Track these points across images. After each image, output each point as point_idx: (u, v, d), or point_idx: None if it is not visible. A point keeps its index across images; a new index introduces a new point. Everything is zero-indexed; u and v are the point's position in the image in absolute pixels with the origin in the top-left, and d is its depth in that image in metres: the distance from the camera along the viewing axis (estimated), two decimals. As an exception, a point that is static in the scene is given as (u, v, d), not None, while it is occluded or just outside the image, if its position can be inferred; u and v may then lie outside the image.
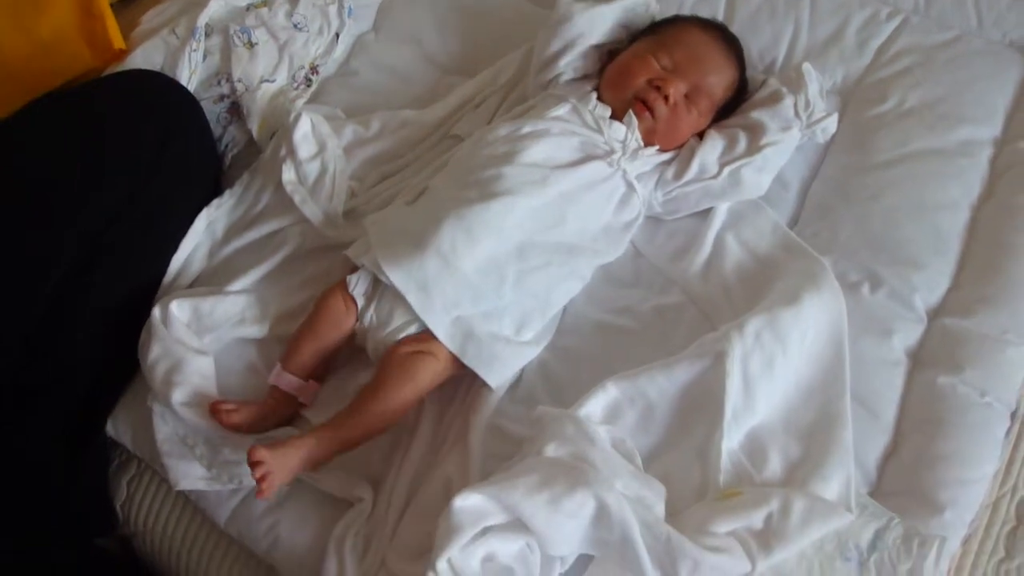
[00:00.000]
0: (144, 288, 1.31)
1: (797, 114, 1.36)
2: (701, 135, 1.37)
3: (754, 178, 1.33)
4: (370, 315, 1.22)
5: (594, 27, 1.42)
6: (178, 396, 1.18)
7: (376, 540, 1.12)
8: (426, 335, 1.20)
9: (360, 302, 1.23)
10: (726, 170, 1.32)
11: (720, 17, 1.54)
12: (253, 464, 1.07)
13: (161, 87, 1.39)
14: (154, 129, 1.31)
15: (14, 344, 1.20)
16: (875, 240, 1.32)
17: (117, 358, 1.27)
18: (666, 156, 1.35)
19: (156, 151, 1.30)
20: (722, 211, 1.34)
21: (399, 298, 1.19)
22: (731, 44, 1.42)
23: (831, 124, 1.39)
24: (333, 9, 1.54)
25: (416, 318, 1.20)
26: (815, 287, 1.21)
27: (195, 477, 1.20)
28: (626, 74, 1.36)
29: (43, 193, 1.24)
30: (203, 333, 1.26)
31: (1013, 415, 1.22)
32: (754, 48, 1.51)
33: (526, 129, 1.30)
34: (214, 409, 1.17)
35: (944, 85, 1.45)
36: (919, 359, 1.25)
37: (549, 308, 1.25)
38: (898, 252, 1.31)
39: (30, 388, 1.21)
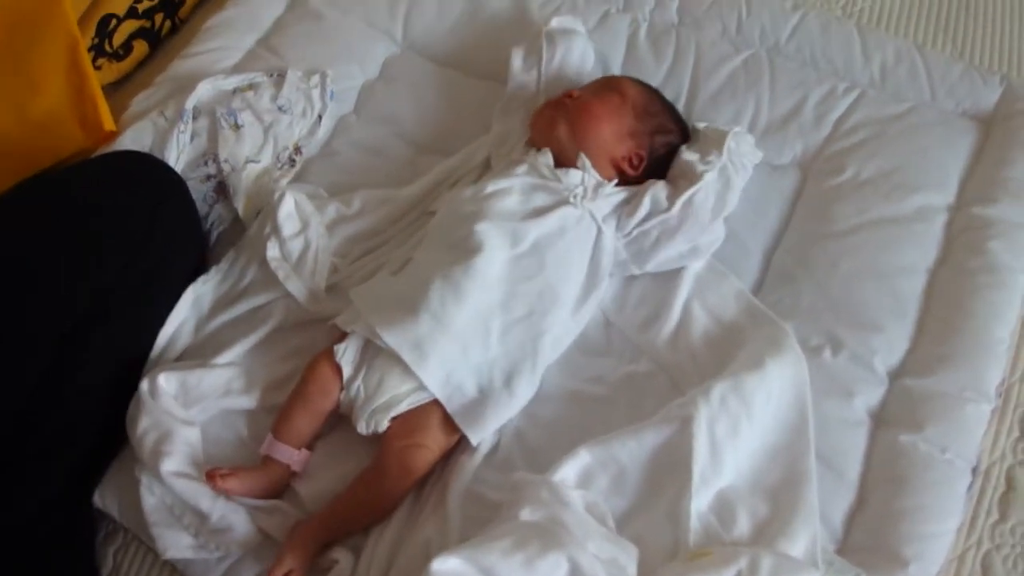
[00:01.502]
0: (133, 362, 1.33)
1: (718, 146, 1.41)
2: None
3: (705, 203, 1.35)
4: (357, 385, 1.26)
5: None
6: (167, 466, 1.20)
7: (358, 605, 1.14)
8: (414, 417, 1.24)
9: (347, 371, 1.26)
10: (678, 202, 1.34)
11: (683, 95, 1.59)
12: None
13: (149, 166, 1.42)
14: (142, 207, 1.34)
15: (4, 418, 1.21)
16: (836, 305, 1.35)
17: (106, 431, 1.29)
18: (624, 194, 1.38)
19: (145, 228, 1.32)
20: (688, 279, 1.37)
21: (389, 368, 1.24)
22: (653, 88, 1.51)
23: (754, 152, 1.45)
24: (316, 92, 1.58)
25: (403, 392, 1.24)
26: (778, 352, 1.25)
27: (183, 546, 1.21)
28: (539, 109, 1.47)
29: (33, 270, 1.26)
30: (190, 405, 1.28)
31: (974, 470, 1.26)
32: (716, 124, 1.52)
33: (489, 188, 1.36)
34: (209, 475, 1.20)
35: (899, 155, 1.49)
36: (881, 419, 1.28)
37: (538, 358, 1.28)
38: (858, 316, 1.35)
39: (19, 460, 1.23)
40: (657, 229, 1.36)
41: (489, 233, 1.31)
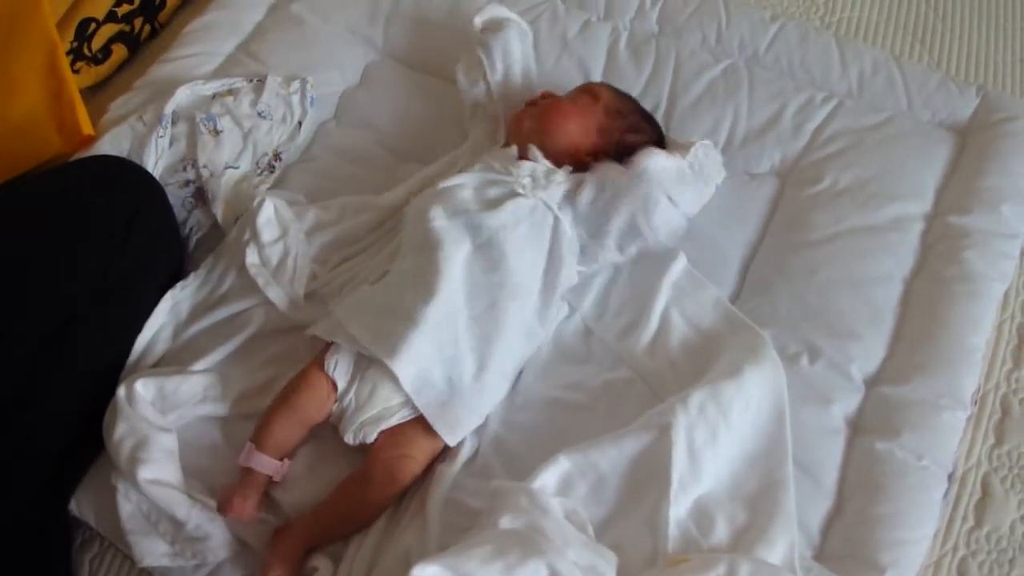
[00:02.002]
0: (110, 367, 1.32)
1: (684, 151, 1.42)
2: None
3: (658, 174, 1.34)
4: (350, 398, 1.26)
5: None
6: (144, 473, 1.20)
7: (337, 612, 1.14)
8: (402, 431, 1.24)
9: (340, 383, 1.26)
10: (627, 169, 1.34)
11: (663, 104, 1.61)
12: None
13: (126, 171, 1.41)
14: (120, 211, 1.33)
15: None
16: (813, 313, 1.37)
17: (82, 436, 1.28)
18: (576, 178, 1.39)
19: (122, 232, 1.32)
20: (667, 287, 1.38)
21: (380, 379, 1.24)
22: (629, 95, 1.53)
23: (719, 168, 1.46)
24: (296, 98, 1.58)
25: (394, 405, 1.24)
26: (756, 360, 1.26)
27: (159, 554, 1.22)
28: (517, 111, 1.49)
29: (9, 273, 1.26)
30: (167, 411, 1.28)
31: (950, 477, 1.27)
32: (696, 133, 1.56)
33: (444, 184, 1.38)
34: (223, 506, 1.20)
35: (876, 164, 1.51)
36: (858, 426, 1.30)
37: (503, 349, 1.28)
38: (835, 324, 1.36)
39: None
40: (606, 200, 1.35)
41: (446, 227, 1.32)
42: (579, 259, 1.38)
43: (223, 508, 1.19)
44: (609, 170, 1.37)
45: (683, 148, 1.42)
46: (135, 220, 1.33)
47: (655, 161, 1.35)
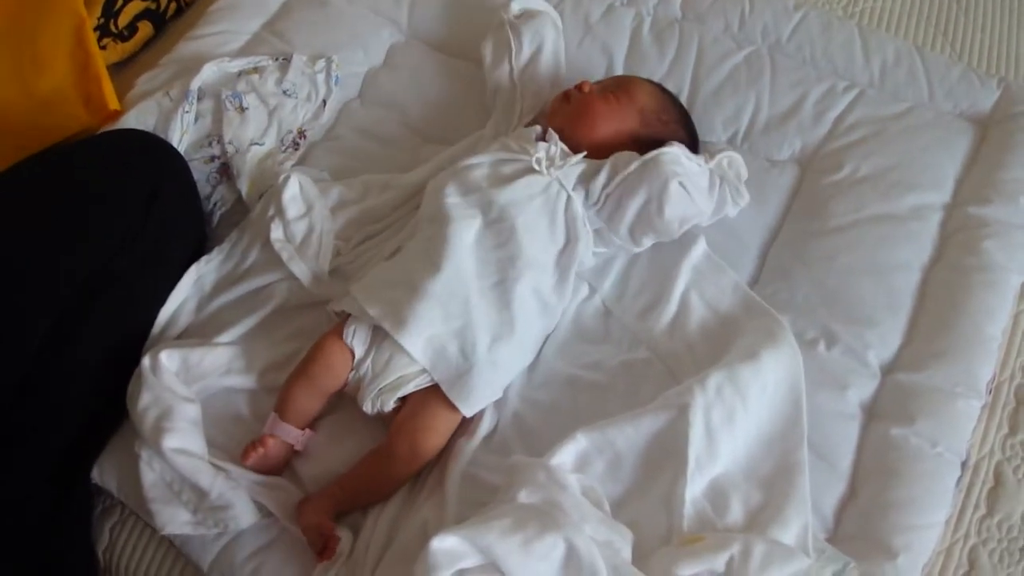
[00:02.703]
0: (133, 338, 1.33)
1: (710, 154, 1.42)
2: None
3: (670, 165, 1.33)
4: (367, 365, 1.27)
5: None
6: (169, 442, 1.21)
7: (355, 582, 1.16)
8: (420, 399, 1.25)
9: (358, 352, 1.28)
10: (640, 160, 1.34)
11: (685, 90, 1.61)
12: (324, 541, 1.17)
13: (150, 145, 1.42)
14: (142, 184, 1.34)
15: (3, 391, 1.22)
16: (831, 299, 1.37)
17: (104, 407, 1.29)
18: (592, 164, 1.39)
19: (144, 203, 1.33)
20: (686, 270, 1.39)
21: (397, 348, 1.25)
22: (672, 97, 1.52)
23: (741, 183, 1.43)
24: (321, 77, 1.59)
25: (410, 373, 1.26)
26: (774, 344, 1.27)
27: (181, 522, 1.22)
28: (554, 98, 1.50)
29: (32, 245, 1.27)
30: (191, 383, 1.29)
31: (963, 465, 1.28)
32: (717, 119, 1.57)
33: (462, 164, 1.39)
34: (247, 451, 1.23)
35: (897, 153, 1.51)
36: (873, 412, 1.30)
37: (516, 324, 1.29)
38: (853, 311, 1.36)
39: (16, 433, 1.23)
40: (620, 189, 1.35)
41: (459, 204, 1.33)
42: (595, 241, 1.39)
43: (244, 457, 1.22)
44: (625, 158, 1.37)
45: (710, 155, 1.42)
46: (157, 193, 1.34)
47: (672, 152, 1.35)
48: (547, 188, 1.36)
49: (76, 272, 1.27)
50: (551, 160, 1.37)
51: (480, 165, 1.39)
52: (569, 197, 1.36)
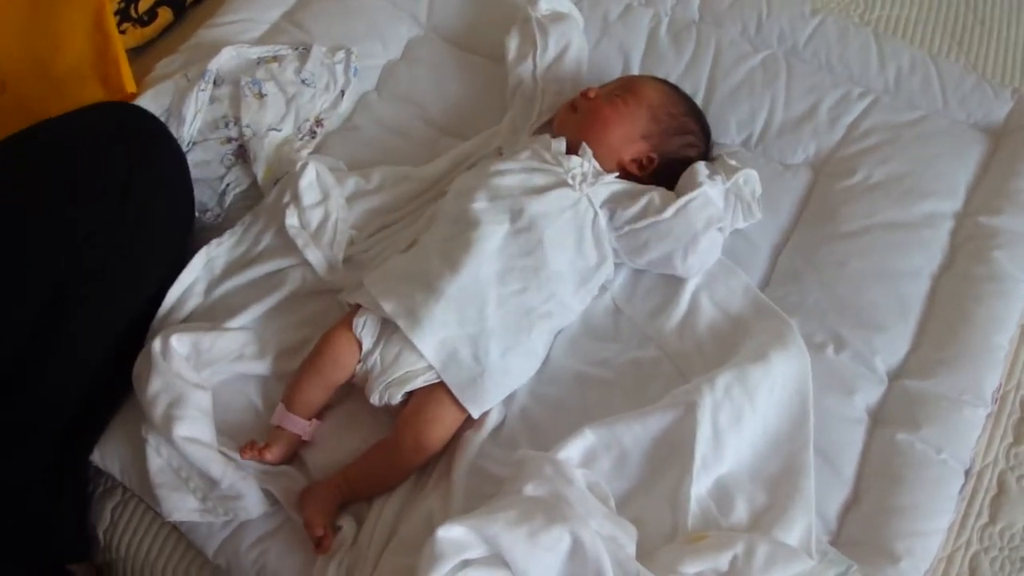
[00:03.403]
0: (126, 317, 1.31)
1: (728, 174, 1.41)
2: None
3: (701, 212, 1.34)
4: (375, 358, 1.27)
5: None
6: (180, 430, 1.21)
7: (359, 571, 1.16)
8: (428, 393, 1.26)
9: (366, 344, 1.28)
10: (673, 207, 1.34)
11: (701, 91, 1.61)
12: (318, 538, 1.17)
13: (133, 116, 1.37)
14: (123, 155, 1.29)
15: None
16: (840, 304, 1.37)
17: (100, 387, 1.28)
18: (624, 186, 1.39)
19: (125, 175, 1.28)
20: (697, 271, 1.39)
21: (407, 342, 1.25)
22: (678, 90, 1.52)
23: (756, 201, 1.44)
24: (340, 68, 1.59)
25: (419, 368, 1.26)
26: (783, 346, 1.27)
27: (188, 509, 1.23)
28: (560, 108, 1.50)
29: (10, 225, 1.24)
30: (201, 367, 1.29)
31: (967, 472, 1.28)
32: (732, 121, 1.58)
33: (493, 168, 1.39)
34: (246, 448, 1.23)
35: (910, 161, 1.51)
36: (879, 417, 1.31)
37: (532, 333, 1.30)
38: (862, 316, 1.37)
39: (9, 413, 1.23)
40: (648, 231, 1.35)
41: (487, 209, 1.33)
42: None
43: (243, 451, 1.22)
44: (660, 199, 1.36)
45: (728, 170, 1.42)
46: (141, 165, 1.29)
47: (703, 196, 1.35)
48: (576, 203, 1.35)
49: (63, 245, 1.24)
50: (584, 176, 1.37)
51: (511, 172, 1.38)
52: (596, 214, 1.36)
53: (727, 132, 1.58)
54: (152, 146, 1.34)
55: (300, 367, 1.30)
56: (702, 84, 1.63)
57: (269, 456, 1.24)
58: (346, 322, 1.30)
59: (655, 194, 1.37)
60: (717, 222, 1.36)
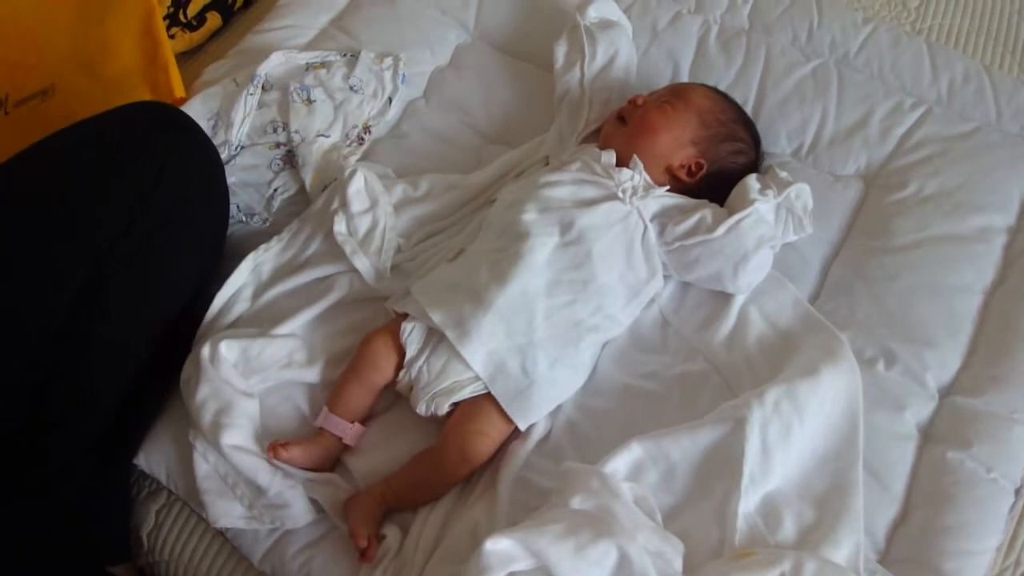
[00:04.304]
0: (161, 310, 1.30)
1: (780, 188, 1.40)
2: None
3: (752, 231, 1.33)
4: (420, 366, 1.28)
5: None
6: (228, 439, 1.22)
7: (404, 580, 1.16)
8: (475, 404, 1.26)
9: (411, 351, 1.28)
10: (724, 225, 1.33)
11: (751, 100, 1.60)
12: (363, 547, 1.18)
13: (165, 115, 1.36)
14: (152, 153, 1.28)
15: (29, 367, 1.21)
16: (891, 319, 1.36)
17: (136, 387, 1.28)
18: (676, 200, 1.38)
19: (155, 173, 1.26)
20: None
21: (454, 353, 1.26)
22: (728, 98, 1.51)
23: (807, 214, 1.42)
24: (388, 74, 1.60)
25: (466, 379, 1.26)
26: (833, 361, 1.26)
27: (235, 516, 1.23)
28: (608, 117, 1.49)
29: (40, 221, 1.23)
30: (249, 374, 1.29)
31: (1018, 492, 1.26)
32: (782, 131, 1.57)
33: (543, 179, 1.38)
34: (271, 447, 1.23)
35: (963, 174, 1.49)
36: (929, 434, 1.29)
37: (581, 345, 1.30)
38: (913, 331, 1.35)
39: (46, 411, 1.23)
40: (699, 248, 1.35)
41: (537, 220, 1.33)
42: None
43: (271, 450, 1.22)
44: (711, 216, 1.35)
45: (779, 184, 1.40)
46: (169, 162, 1.28)
47: (756, 214, 1.34)
48: (626, 217, 1.35)
49: (83, 249, 1.23)
50: (635, 189, 1.37)
51: (561, 183, 1.38)
52: (646, 228, 1.35)
53: (777, 142, 1.57)
54: (182, 139, 1.33)
55: (344, 371, 1.31)
56: (752, 93, 1.61)
57: (285, 455, 1.23)
58: (389, 329, 1.30)
59: (707, 211, 1.36)
60: (768, 241, 1.35)
